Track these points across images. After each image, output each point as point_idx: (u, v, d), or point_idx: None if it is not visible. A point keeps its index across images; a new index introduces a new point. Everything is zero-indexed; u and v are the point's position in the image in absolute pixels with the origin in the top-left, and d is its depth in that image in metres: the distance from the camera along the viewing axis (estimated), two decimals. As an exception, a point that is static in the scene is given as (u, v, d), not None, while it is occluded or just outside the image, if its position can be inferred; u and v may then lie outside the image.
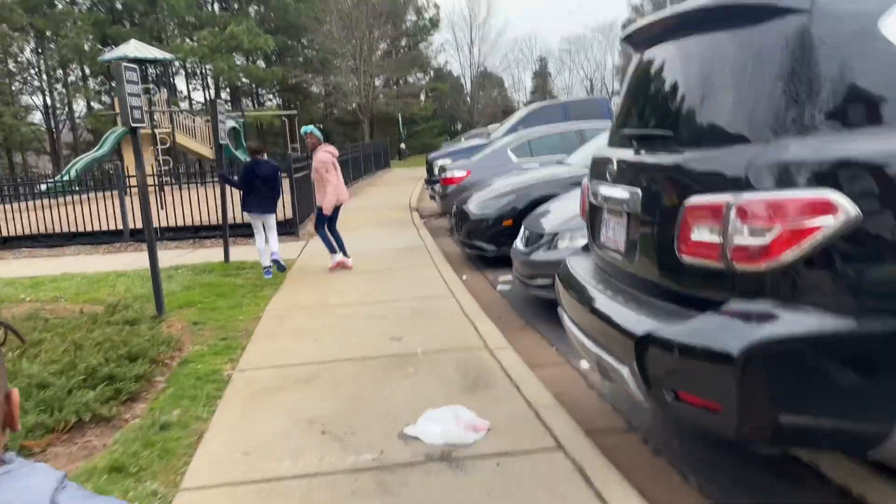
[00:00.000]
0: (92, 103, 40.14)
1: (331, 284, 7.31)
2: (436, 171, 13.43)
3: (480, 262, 8.24)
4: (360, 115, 44.47)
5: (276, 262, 7.70)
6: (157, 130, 21.80)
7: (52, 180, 13.92)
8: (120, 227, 11.07)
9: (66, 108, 40.69)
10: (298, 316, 6.02)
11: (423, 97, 52.39)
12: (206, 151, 25.06)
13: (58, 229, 11.15)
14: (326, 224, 7.86)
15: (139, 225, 9.55)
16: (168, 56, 24.10)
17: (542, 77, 71.68)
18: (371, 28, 43.25)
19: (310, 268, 8.40)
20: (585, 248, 3.67)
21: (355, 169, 21.01)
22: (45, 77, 39.58)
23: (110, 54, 23.37)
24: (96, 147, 22.94)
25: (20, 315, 5.94)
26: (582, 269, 3.38)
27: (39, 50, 38.28)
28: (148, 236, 6.19)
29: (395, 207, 14.74)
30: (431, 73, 58.10)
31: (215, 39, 38.54)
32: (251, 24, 41.70)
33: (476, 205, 8.20)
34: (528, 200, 7.39)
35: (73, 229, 11.11)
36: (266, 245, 7.83)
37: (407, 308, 5.97)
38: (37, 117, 41.20)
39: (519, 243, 6.09)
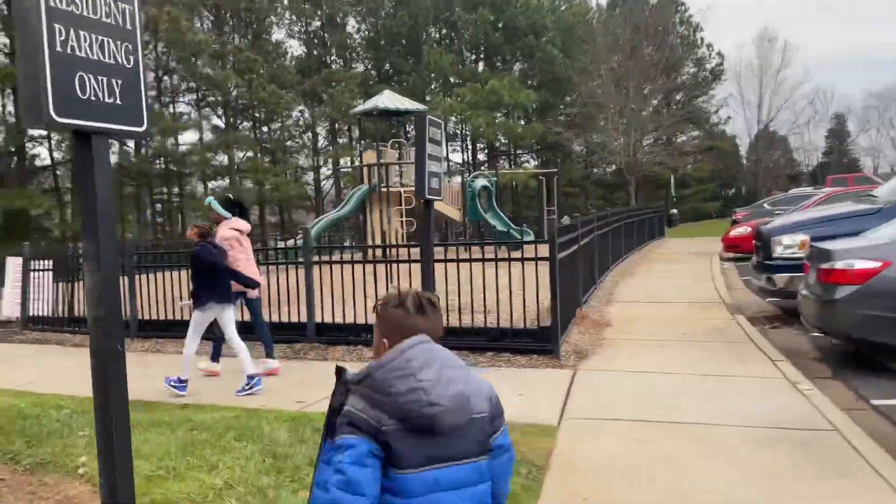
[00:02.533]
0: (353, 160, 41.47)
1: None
2: (776, 249, 8.58)
3: None
4: (625, 175, 40.07)
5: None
6: (402, 189, 19.77)
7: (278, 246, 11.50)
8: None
9: (332, 167, 42.56)
10: None
11: (696, 157, 46.38)
12: (455, 214, 22.64)
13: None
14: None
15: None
16: (421, 107, 22.34)
17: (838, 136, 61.09)
18: (644, 81, 39.11)
19: (590, 462, 4.22)
20: None
21: (625, 238, 16.62)
22: (311, 136, 41.80)
23: (362, 107, 22.25)
24: (339, 206, 21.67)
25: None
26: None
27: (307, 110, 40.43)
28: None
29: (698, 303, 10.04)
30: (708, 129, 51.74)
31: (475, 95, 37.45)
32: (513, 78, 40.13)
33: None
34: None
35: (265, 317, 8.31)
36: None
37: None
38: (310, 176, 43.64)
39: None
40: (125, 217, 35.17)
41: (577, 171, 48.09)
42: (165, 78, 35.95)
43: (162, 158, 35.01)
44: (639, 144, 39.88)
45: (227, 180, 38.49)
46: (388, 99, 21.25)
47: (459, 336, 7.17)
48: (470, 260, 7.28)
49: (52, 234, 32.73)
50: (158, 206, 38.90)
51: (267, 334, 7.07)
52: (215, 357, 6.99)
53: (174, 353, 8.16)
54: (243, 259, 6.79)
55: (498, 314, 7.27)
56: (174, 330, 8.71)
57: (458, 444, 1.61)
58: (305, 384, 6.37)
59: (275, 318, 8.22)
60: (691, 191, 49.56)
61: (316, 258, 8.16)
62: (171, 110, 35.95)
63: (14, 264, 10.64)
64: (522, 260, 7.03)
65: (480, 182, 22.65)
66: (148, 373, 7.08)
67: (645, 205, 29.60)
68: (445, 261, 7.28)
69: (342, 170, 38.25)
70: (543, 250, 7.00)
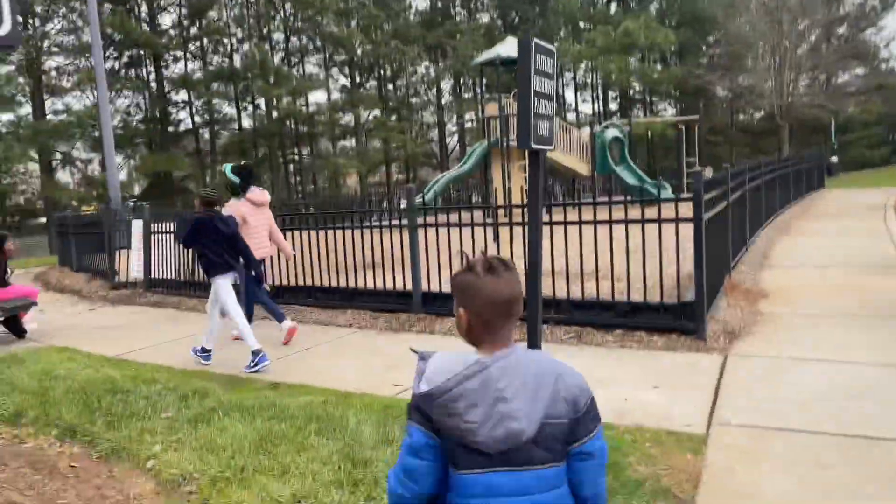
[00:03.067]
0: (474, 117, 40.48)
1: None
2: None
3: None
4: (777, 120, 36.24)
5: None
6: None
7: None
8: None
9: (456, 122, 41.82)
10: None
11: (860, 99, 41.03)
12: (583, 168, 21.22)
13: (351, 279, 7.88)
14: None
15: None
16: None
17: None
18: (800, 15, 34.83)
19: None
20: None
21: (781, 191, 14.60)
22: (435, 92, 41.17)
23: (484, 56, 21.13)
24: (461, 162, 20.89)
25: None
26: None
27: (432, 65, 39.73)
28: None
29: (875, 267, 8.36)
30: (875, 67, 45.55)
31: (607, 39, 35.03)
32: (649, 18, 37.16)
33: None
34: None
35: (368, 283, 7.72)
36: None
37: None
38: (435, 133, 43.24)
39: None
40: (260, 178, 36.55)
41: (720, 118, 44.28)
42: (293, 39, 36.53)
43: (292, 119, 35.82)
44: (793, 86, 35.83)
45: (353, 140, 38.91)
46: (512, 47, 19.95)
47: (583, 310, 6.20)
48: (595, 222, 6.22)
49: (192, 195, 34.62)
50: (291, 166, 40.11)
51: (269, 302, 6.83)
52: (279, 318, 6.77)
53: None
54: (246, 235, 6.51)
55: (628, 285, 6.21)
56: (285, 295, 8.39)
57: (518, 456, 1.52)
58: (407, 362, 5.70)
59: (378, 285, 7.62)
60: (854, 136, 44.20)
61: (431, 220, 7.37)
62: (300, 71, 36.55)
63: (138, 227, 10.81)
64: (659, 221, 5.88)
65: (611, 132, 21.00)
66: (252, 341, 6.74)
67: (799, 152, 26.45)
68: (565, 223, 6.28)
69: (466, 125, 37.45)
70: (685, 209, 5.81)
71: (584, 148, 21.27)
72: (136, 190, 35.15)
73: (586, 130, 22.43)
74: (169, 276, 10.17)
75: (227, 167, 7.06)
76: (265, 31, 34.47)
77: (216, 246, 5.99)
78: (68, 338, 7.81)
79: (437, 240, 7.11)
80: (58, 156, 31.55)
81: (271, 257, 7.74)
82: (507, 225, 6.91)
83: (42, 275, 14.71)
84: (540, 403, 1.51)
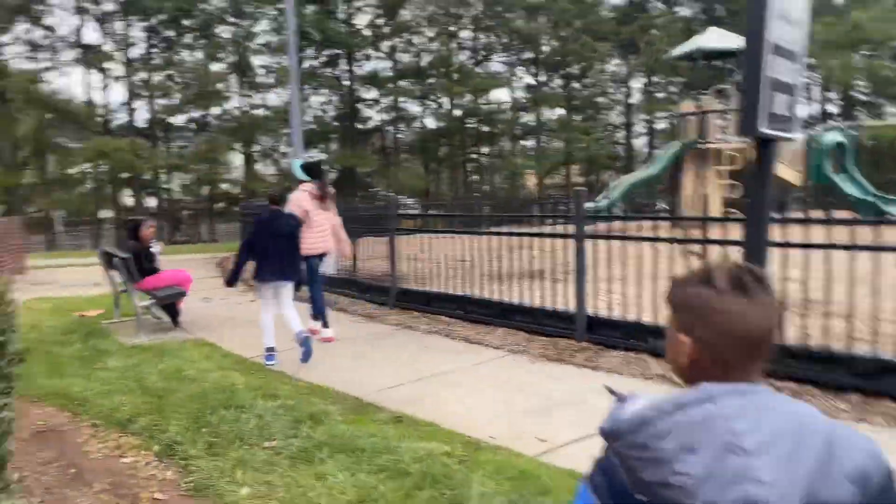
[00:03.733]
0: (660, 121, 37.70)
1: None
2: None
3: None
4: None
5: (304, 339, 5.90)
6: (726, 146, 16.50)
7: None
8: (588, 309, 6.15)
9: (646, 123, 39.28)
10: None
11: None
12: (792, 176, 18.49)
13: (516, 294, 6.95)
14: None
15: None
16: (756, 46, 18.37)
17: None
18: None
19: None
20: None
21: None
22: (625, 90, 38.91)
23: (682, 48, 19.12)
24: (647, 164, 19.10)
25: None
26: None
27: (623, 62, 37.57)
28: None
29: None
30: None
31: (830, 32, 30.79)
32: (885, 8, 32.19)
33: None
34: None
35: (526, 298, 6.71)
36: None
37: None
38: (621, 134, 41.05)
39: None
40: (439, 176, 36.83)
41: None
42: (480, 36, 36.33)
43: (473, 118, 35.64)
44: None
45: (534, 140, 37.95)
46: (714, 37, 17.88)
47: (803, 361, 4.70)
48: (827, 246, 4.68)
49: (376, 191, 35.66)
50: (470, 166, 40.06)
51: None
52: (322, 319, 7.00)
53: (425, 332, 7.05)
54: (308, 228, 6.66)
55: (873, 333, 4.61)
56: (433, 304, 7.63)
57: None
58: (561, 406, 4.62)
59: (535, 303, 6.56)
60: None
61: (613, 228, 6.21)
62: (484, 69, 36.27)
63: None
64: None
65: (833, 136, 18.07)
66: (381, 356, 6.03)
67: None
68: (786, 244, 4.81)
69: (656, 126, 34.96)
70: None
71: (795, 154, 18.53)
72: (324, 183, 37.03)
73: (798, 134, 19.55)
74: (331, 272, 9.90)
75: (296, 163, 7.10)
76: (453, 28, 34.59)
77: (274, 245, 6.01)
78: (218, 330, 7.64)
79: (610, 253, 5.91)
80: (257, 148, 34.02)
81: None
82: (700, 242, 5.53)
83: (224, 261, 15.38)
84: (800, 471, 0.98)
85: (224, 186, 34.86)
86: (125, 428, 4.58)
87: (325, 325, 6.99)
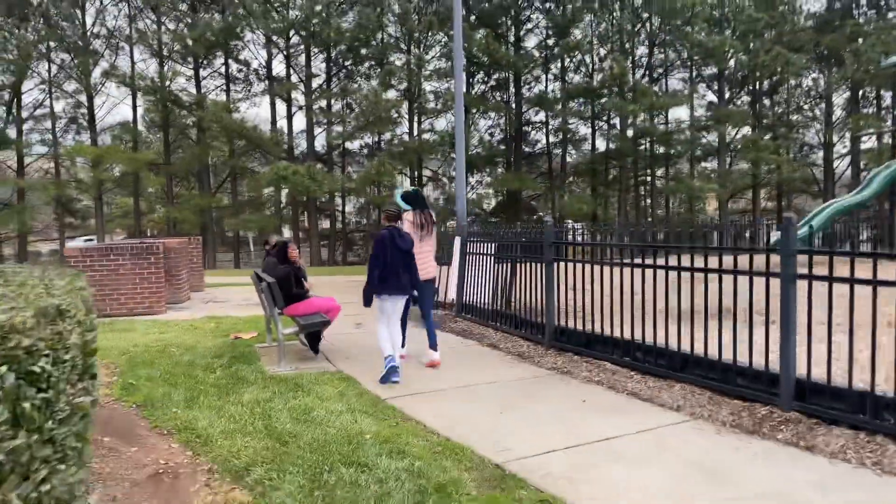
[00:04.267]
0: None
1: None
2: None
3: None
4: None
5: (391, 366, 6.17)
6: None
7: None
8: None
9: (850, 142, 34.87)
10: None
11: None
12: None
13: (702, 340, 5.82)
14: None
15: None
16: None
17: None
18: None
19: None
20: None
21: None
22: (824, 106, 34.84)
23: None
24: (857, 188, 16.51)
25: None
26: None
27: (822, 75, 33.70)
28: None
29: None
30: None
31: None
32: None
33: None
34: None
35: (711, 348, 5.52)
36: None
37: None
38: (819, 155, 36.92)
39: None
40: (607, 200, 35.19)
41: None
42: (657, 53, 34.42)
43: (647, 139, 33.70)
44: None
45: (715, 161, 35.10)
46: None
47: None
48: None
49: (540, 215, 34.78)
50: (642, 189, 37.95)
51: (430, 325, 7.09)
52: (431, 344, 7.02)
53: (585, 380, 6.07)
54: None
55: None
56: (595, 346, 6.63)
57: None
58: (763, 504, 3.47)
59: (725, 355, 5.33)
60: None
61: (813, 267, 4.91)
62: (661, 87, 34.24)
63: (457, 245, 10.11)
64: None
65: None
66: (531, 409, 5.15)
67: None
68: None
69: (863, 145, 30.88)
70: None
71: None
72: (488, 206, 36.88)
73: None
74: (481, 302, 9.18)
75: (398, 192, 7.36)
76: (628, 45, 33.05)
77: (393, 261, 6.15)
78: (361, 362, 7.20)
79: (825, 297, 4.60)
80: (425, 172, 34.63)
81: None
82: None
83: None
84: None
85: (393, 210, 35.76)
86: (240, 479, 4.11)
87: (433, 346, 7.01)
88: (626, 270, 6.34)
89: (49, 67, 32.01)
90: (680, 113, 35.96)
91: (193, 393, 5.96)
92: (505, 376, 6.38)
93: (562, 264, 7.18)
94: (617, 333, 6.41)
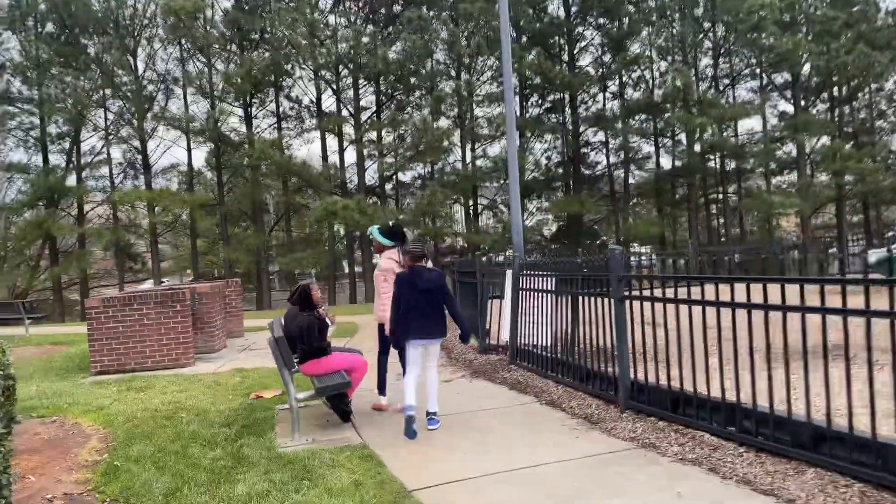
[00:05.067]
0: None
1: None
2: None
3: None
4: None
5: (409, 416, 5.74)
6: None
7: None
8: None
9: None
10: None
11: None
12: None
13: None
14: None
15: None
16: None
17: None
18: None
19: None
20: None
21: None
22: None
23: None
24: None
25: None
26: None
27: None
28: None
29: None
30: None
31: None
32: None
33: None
34: None
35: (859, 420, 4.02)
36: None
37: None
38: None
39: None
40: (676, 220, 33.17)
41: None
42: (722, 63, 32.50)
43: (716, 153, 31.65)
44: None
45: (794, 174, 32.67)
46: None
47: None
48: None
49: (605, 240, 33.08)
50: (713, 207, 35.74)
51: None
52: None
53: (676, 458, 4.62)
54: (386, 292, 6.54)
55: None
56: (685, 410, 5.17)
57: None
58: None
59: (878, 428, 3.81)
60: None
61: None
62: (728, 99, 32.24)
63: (510, 278, 8.78)
64: None
65: None
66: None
67: None
68: None
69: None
70: None
71: None
72: (548, 233, 35.30)
73: None
74: (539, 347, 7.78)
75: (374, 229, 6.99)
76: (690, 56, 31.28)
77: (417, 304, 5.78)
78: (394, 427, 5.95)
79: None
80: (480, 200, 33.45)
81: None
82: None
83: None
84: None
85: (448, 241, 34.71)
86: None
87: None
88: (725, 309, 4.87)
89: (105, 115, 32.58)
90: (751, 125, 33.83)
91: (179, 481, 4.82)
92: (571, 452, 4.99)
93: (636, 302, 5.75)
94: (716, 392, 4.94)
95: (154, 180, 32.85)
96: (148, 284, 29.47)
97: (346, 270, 35.85)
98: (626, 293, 5.75)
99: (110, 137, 32.66)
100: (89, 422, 7.13)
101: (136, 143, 32.40)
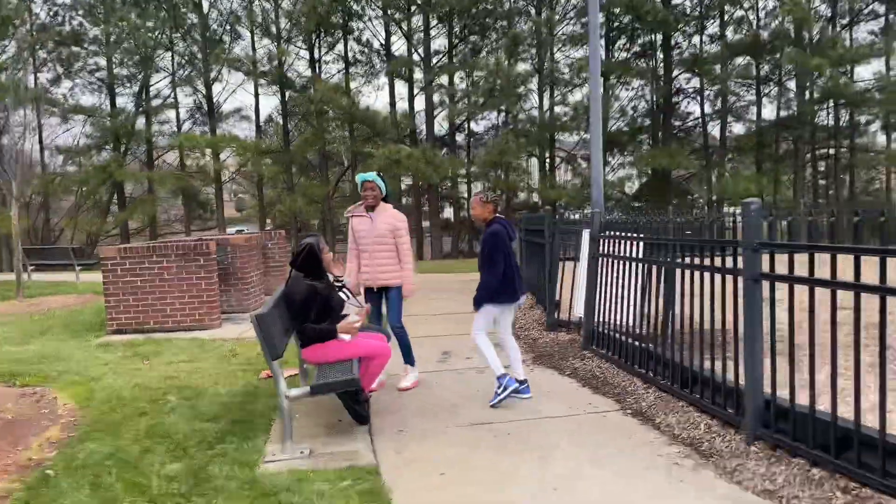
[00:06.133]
0: None
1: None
2: None
3: None
4: None
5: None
6: None
7: None
8: None
9: None
10: None
11: None
12: None
13: None
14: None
15: None
16: None
17: None
18: None
19: None
20: None
21: None
22: None
23: None
24: None
25: None
26: None
27: None
28: None
29: None
30: None
31: None
32: None
33: None
34: None
35: None
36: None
37: None
38: None
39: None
40: (777, 178, 30.00)
41: None
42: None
43: (830, 102, 28.13)
44: None
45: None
46: None
47: None
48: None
49: (695, 198, 30.41)
50: (821, 164, 32.22)
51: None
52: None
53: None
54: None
55: None
56: (845, 453, 3.40)
57: None
58: None
59: None
60: None
61: None
62: (848, 36, 28.48)
63: (587, 240, 7.01)
64: None
65: None
66: None
67: None
68: None
69: None
70: None
71: None
72: (630, 189, 32.68)
73: None
74: (623, 331, 6.02)
75: (372, 174, 5.82)
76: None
77: (513, 262, 5.32)
78: (420, 436, 4.44)
79: None
80: (559, 153, 31.17)
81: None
82: None
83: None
84: None
85: (522, 195, 32.76)
86: None
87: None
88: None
89: (172, 58, 31.91)
90: (866, 73, 29.95)
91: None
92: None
93: (782, 284, 3.92)
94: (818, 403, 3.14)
95: (220, 126, 32.18)
96: (232, 230, 28.68)
97: (414, 227, 34.50)
98: (764, 272, 3.91)
99: (177, 80, 32.04)
100: (68, 398, 5.96)
101: (202, 88, 31.70)
